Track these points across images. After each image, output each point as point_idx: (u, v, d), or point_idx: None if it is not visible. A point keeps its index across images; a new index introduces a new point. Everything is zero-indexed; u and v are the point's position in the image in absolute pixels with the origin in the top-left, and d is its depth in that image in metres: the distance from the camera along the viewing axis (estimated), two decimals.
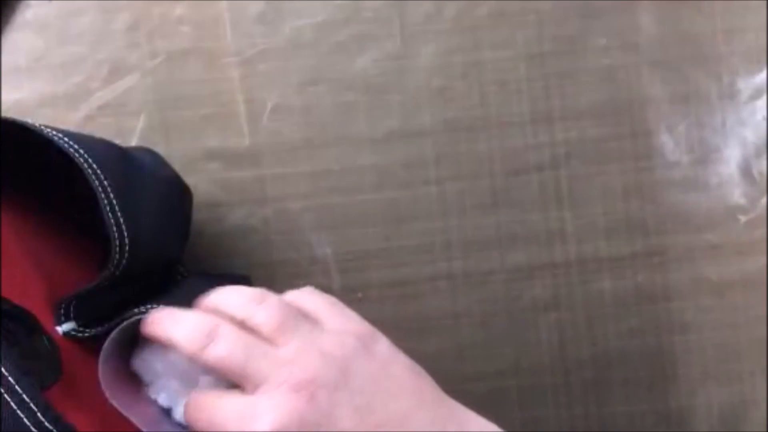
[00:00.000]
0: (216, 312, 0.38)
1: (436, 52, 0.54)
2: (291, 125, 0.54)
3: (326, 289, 0.54)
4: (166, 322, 0.38)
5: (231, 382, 0.37)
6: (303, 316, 0.39)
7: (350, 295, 0.54)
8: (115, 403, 0.39)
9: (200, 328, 0.37)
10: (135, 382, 0.41)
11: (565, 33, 0.54)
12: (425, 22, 0.54)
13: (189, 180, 0.50)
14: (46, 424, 0.32)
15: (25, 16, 0.54)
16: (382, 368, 0.37)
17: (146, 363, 0.40)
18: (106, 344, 0.39)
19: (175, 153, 0.53)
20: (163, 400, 0.40)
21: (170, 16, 0.54)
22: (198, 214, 0.51)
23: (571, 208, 0.54)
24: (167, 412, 0.40)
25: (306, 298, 0.40)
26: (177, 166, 0.49)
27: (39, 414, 0.32)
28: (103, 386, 0.39)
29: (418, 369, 0.39)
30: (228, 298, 0.39)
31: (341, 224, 0.54)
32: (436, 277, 0.54)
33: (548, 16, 0.54)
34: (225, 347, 0.36)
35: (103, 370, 0.39)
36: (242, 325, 0.37)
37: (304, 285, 0.54)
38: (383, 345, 0.39)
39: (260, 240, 0.54)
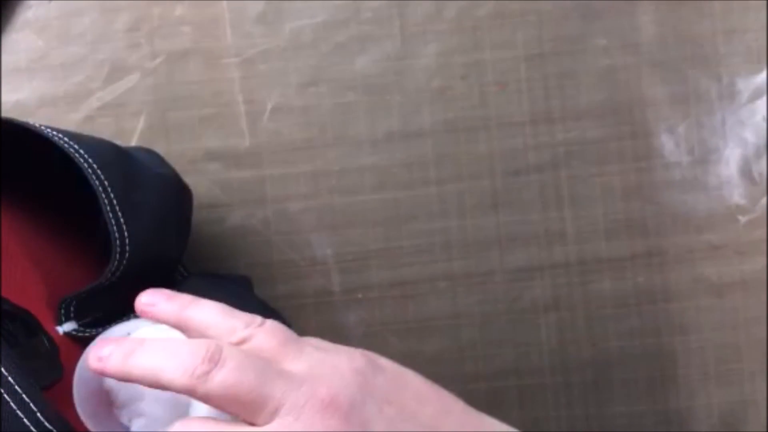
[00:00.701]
0: (202, 335, 0.34)
1: (436, 52, 0.54)
2: (291, 125, 0.54)
3: (326, 289, 0.54)
4: (147, 353, 0.32)
5: (233, 414, 0.32)
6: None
7: (350, 296, 0.54)
8: (88, 423, 0.34)
9: (199, 353, 0.32)
10: (107, 401, 0.37)
11: (565, 33, 0.54)
12: (425, 22, 0.54)
13: (189, 180, 0.50)
14: (46, 423, 0.32)
15: (25, 16, 0.54)
16: (398, 379, 0.35)
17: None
18: (83, 357, 0.36)
19: (175, 153, 0.53)
20: (138, 427, 0.35)
21: (170, 16, 0.54)
22: (198, 214, 0.51)
23: (571, 208, 0.54)
24: None
25: None
26: (177, 166, 0.49)
27: (38, 414, 0.32)
28: (77, 403, 0.35)
29: (430, 381, 0.36)
30: (215, 319, 0.34)
31: (341, 224, 0.54)
32: (436, 277, 0.54)
33: (548, 16, 0.54)
34: (234, 372, 0.31)
35: (78, 384, 0.36)
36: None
37: (304, 285, 0.55)
38: (387, 361, 0.36)
39: (260, 240, 0.54)
